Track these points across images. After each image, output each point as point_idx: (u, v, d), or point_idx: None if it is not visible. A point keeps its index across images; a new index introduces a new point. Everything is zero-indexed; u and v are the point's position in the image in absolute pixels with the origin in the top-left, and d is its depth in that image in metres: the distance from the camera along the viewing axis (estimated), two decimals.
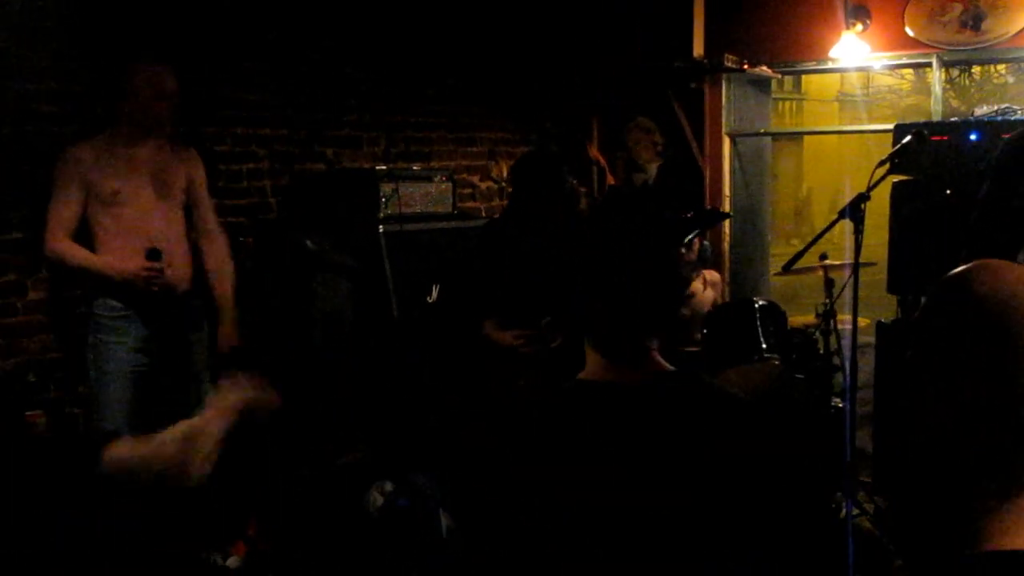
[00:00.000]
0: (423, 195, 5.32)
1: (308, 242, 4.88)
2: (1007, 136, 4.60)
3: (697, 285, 5.74)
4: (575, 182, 4.32)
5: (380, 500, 4.59)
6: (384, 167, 5.41)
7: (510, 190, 4.50)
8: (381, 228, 4.97)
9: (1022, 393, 1.12)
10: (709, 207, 6.91)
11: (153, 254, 3.90)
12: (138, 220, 3.98)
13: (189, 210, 4.24)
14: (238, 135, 5.11)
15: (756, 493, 1.75)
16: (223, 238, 4.34)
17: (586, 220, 2.02)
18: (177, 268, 4.07)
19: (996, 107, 5.38)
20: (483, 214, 6.33)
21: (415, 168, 5.76)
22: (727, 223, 7.31)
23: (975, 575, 1.10)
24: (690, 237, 5.58)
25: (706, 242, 5.89)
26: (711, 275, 5.92)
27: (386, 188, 5.10)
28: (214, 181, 4.96)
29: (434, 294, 5.06)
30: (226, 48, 5.00)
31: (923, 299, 1.26)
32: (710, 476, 1.73)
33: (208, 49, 4.91)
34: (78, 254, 3.91)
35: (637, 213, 1.90)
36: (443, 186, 5.47)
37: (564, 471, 1.73)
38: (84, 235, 3.97)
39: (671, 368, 1.86)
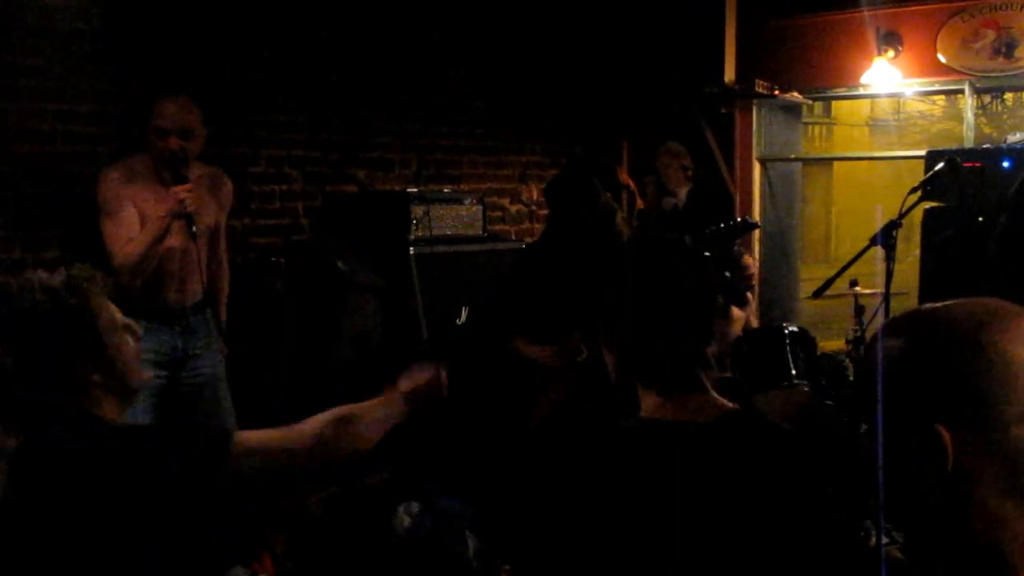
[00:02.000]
0: (454, 217, 5.35)
1: (339, 263, 4.91)
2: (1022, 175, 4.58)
3: (738, 313, 5.74)
4: (610, 196, 4.33)
5: (407, 521, 4.60)
6: (415, 189, 5.45)
7: (542, 213, 4.53)
8: (412, 250, 4.99)
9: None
10: (739, 218, 6.90)
11: (179, 177, 3.92)
12: (168, 258, 4.02)
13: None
14: (271, 156, 5.15)
15: (804, 528, 1.74)
16: (226, 265, 4.43)
17: (628, 258, 2.02)
18: (192, 291, 4.13)
19: None
20: (513, 237, 6.35)
21: (446, 191, 5.79)
22: (757, 248, 7.29)
23: None
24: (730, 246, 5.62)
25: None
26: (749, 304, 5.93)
27: (417, 210, 5.12)
28: (247, 202, 5.01)
29: (463, 316, 5.08)
30: (260, 70, 5.06)
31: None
32: (771, 514, 1.73)
33: (243, 71, 4.97)
34: (140, 239, 3.91)
35: (677, 247, 1.91)
36: (473, 209, 5.49)
37: (637, 510, 1.72)
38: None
39: (728, 403, 1.86)
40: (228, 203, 4.35)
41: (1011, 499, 1.12)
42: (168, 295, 4.07)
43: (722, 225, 6.14)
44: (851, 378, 5.16)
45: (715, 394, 1.84)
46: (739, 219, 6.83)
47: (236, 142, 4.97)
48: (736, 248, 5.95)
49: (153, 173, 3.98)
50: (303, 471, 2.17)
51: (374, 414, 2.26)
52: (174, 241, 4.00)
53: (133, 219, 3.90)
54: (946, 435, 1.12)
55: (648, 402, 1.85)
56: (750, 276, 5.78)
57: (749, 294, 6.00)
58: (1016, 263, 4.29)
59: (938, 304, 1.22)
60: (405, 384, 2.34)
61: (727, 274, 5.64)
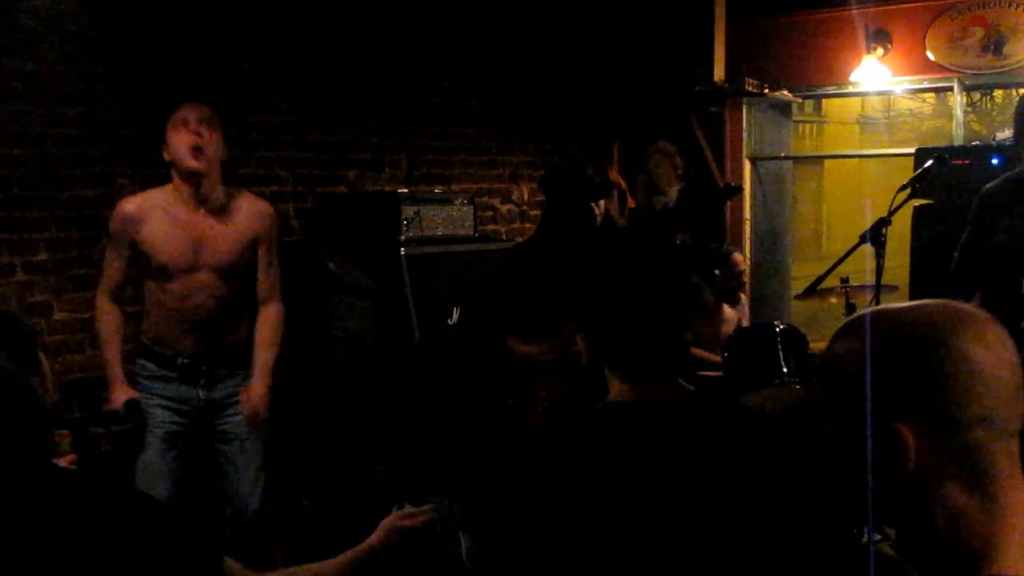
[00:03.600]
0: (444, 218, 5.35)
1: (330, 264, 4.91)
2: (985, 188, 4.61)
3: (729, 311, 5.75)
4: (607, 178, 4.34)
5: None
6: (406, 190, 5.44)
7: (533, 213, 4.55)
8: (403, 251, 4.99)
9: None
10: (722, 184, 6.92)
11: (131, 407, 3.67)
12: (184, 299, 3.68)
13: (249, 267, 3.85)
14: (262, 158, 5.15)
15: (785, 513, 1.76)
16: (276, 307, 3.92)
17: (606, 247, 2.07)
18: (221, 339, 3.77)
19: None
20: (504, 237, 6.35)
21: (437, 191, 5.79)
22: (748, 247, 7.31)
23: None
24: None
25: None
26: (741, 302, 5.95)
27: (408, 211, 5.12)
28: None
29: (455, 317, 5.08)
30: (251, 71, 5.05)
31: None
32: (745, 494, 1.74)
33: (233, 72, 4.97)
34: (103, 331, 3.75)
35: (654, 237, 1.95)
36: (464, 209, 5.49)
37: (608, 492, 1.74)
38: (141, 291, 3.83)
39: (693, 389, 1.88)
40: (265, 231, 3.85)
41: (974, 496, 1.14)
42: (184, 345, 3.72)
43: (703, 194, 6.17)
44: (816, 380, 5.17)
45: (681, 381, 1.87)
46: (724, 185, 6.87)
47: (226, 143, 4.96)
48: (726, 246, 5.96)
49: (174, 200, 3.66)
50: None
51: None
52: (184, 285, 3.66)
53: (121, 262, 3.68)
54: (907, 435, 1.14)
55: (615, 387, 1.87)
56: (740, 274, 5.80)
57: (742, 293, 6.02)
58: (974, 279, 4.31)
59: (899, 305, 1.24)
60: (396, 523, 2.31)
61: (716, 272, 5.65)
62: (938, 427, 1.14)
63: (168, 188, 3.69)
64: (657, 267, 1.90)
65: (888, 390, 1.15)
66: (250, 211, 3.81)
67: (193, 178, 3.62)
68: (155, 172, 4.65)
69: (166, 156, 3.64)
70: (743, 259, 5.83)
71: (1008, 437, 1.15)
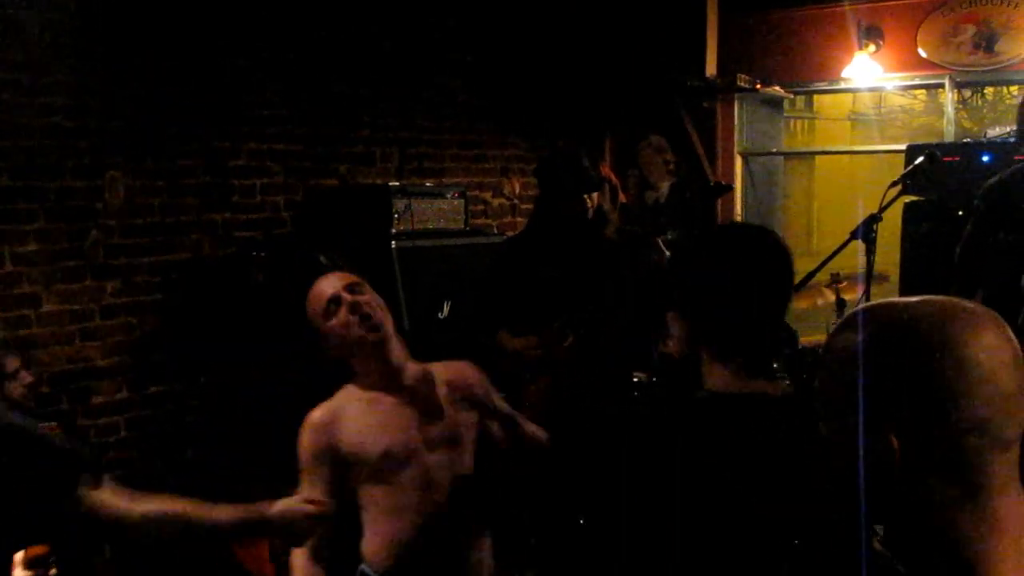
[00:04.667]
0: (435, 211, 5.34)
1: (321, 257, 4.90)
2: (988, 183, 4.63)
3: None
4: (599, 172, 4.32)
5: None
6: (397, 183, 5.43)
7: (524, 207, 4.55)
8: (393, 244, 4.98)
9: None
10: (713, 182, 6.92)
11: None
12: (419, 487, 2.66)
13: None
14: (252, 150, 5.14)
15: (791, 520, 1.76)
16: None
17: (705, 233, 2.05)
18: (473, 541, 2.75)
19: (1008, 128, 5.38)
20: (495, 231, 6.35)
21: (428, 184, 5.78)
22: None
23: None
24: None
25: None
26: None
27: (399, 204, 5.12)
28: (228, 195, 5.00)
29: (445, 310, 5.07)
30: (242, 63, 5.04)
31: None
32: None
33: (224, 64, 4.95)
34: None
35: (752, 227, 1.93)
36: (455, 202, 5.48)
37: (711, 483, 1.71)
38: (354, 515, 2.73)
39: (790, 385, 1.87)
40: (475, 373, 2.92)
41: (964, 501, 1.12)
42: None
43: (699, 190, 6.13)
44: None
45: (779, 379, 1.85)
46: (715, 183, 6.86)
47: (217, 136, 4.96)
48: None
49: (372, 387, 2.76)
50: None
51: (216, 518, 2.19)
52: (409, 495, 2.64)
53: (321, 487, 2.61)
54: (892, 437, 1.12)
55: (717, 378, 1.84)
56: None
57: None
58: (976, 274, 4.32)
59: (901, 300, 1.20)
60: (278, 507, 2.28)
61: None
62: (929, 430, 1.11)
63: (358, 378, 2.82)
64: (767, 259, 1.87)
65: (881, 389, 1.13)
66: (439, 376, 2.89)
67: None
68: (145, 165, 4.66)
69: (332, 355, 2.88)
70: None
71: (1003, 445, 1.11)
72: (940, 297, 1.19)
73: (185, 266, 4.82)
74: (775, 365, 4.86)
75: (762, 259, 1.86)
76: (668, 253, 4.61)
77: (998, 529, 1.12)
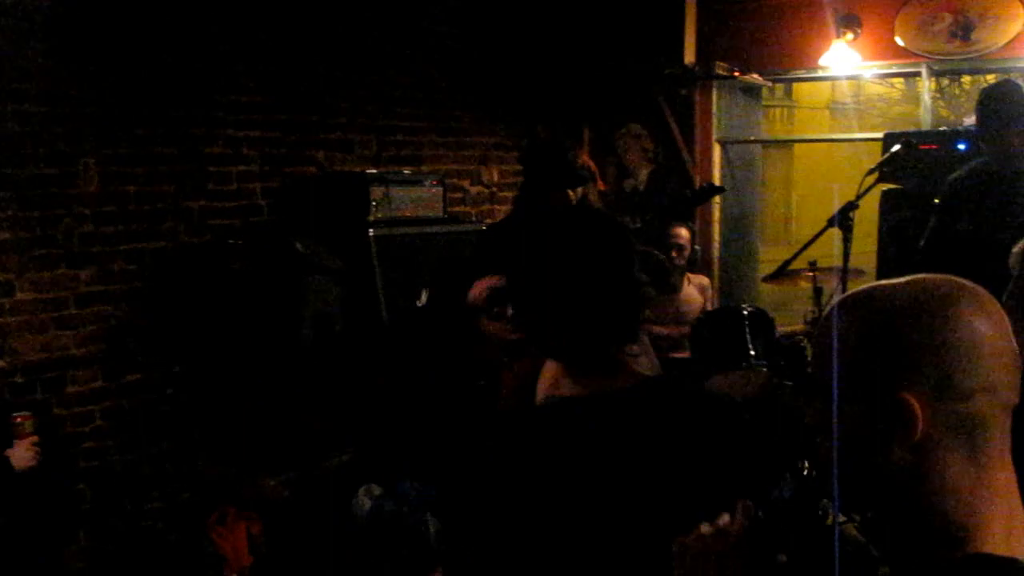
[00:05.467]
0: (414, 199, 5.32)
1: (298, 245, 4.88)
2: (950, 177, 4.66)
3: (689, 289, 5.75)
4: (584, 160, 4.33)
5: (368, 504, 4.59)
6: (375, 171, 5.41)
7: (503, 195, 4.56)
8: (371, 231, 4.97)
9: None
10: (704, 184, 6.92)
11: None
12: None
13: None
14: (229, 137, 5.10)
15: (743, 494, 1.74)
16: None
17: (540, 233, 1.95)
18: None
19: None
20: (474, 218, 6.34)
21: (406, 172, 5.76)
22: (717, 230, 7.32)
23: None
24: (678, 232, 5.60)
25: (697, 247, 5.89)
26: (701, 280, 5.92)
27: (376, 192, 5.10)
28: (204, 183, 4.97)
29: (423, 298, 5.06)
30: (217, 49, 5.00)
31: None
32: (699, 479, 1.72)
33: (199, 50, 4.91)
34: None
35: (590, 222, 1.86)
36: (434, 190, 5.47)
37: (558, 488, 1.70)
38: None
39: (647, 375, 1.84)
40: None
41: (970, 468, 1.15)
42: None
43: (688, 192, 6.11)
44: (809, 359, 5.19)
45: (635, 368, 1.82)
46: (704, 184, 6.86)
47: (193, 122, 4.92)
48: (672, 222, 5.91)
49: None
50: None
51: None
52: None
53: None
54: (915, 404, 1.13)
55: (558, 381, 1.83)
56: (682, 248, 5.70)
57: (699, 274, 5.99)
58: (940, 266, 4.35)
59: (897, 280, 1.23)
60: None
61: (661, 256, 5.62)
62: (942, 395, 1.14)
63: None
64: (595, 247, 1.80)
65: (891, 360, 1.16)
66: None
67: None
68: (120, 152, 4.62)
69: None
70: (687, 234, 5.74)
71: (1006, 409, 1.16)
72: (940, 275, 1.23)
73: (161, 254, 4.79)
74: (752, 352, 4.89)
75: (581, 253, 1.79)
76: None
77: (994, 498, 1.15)
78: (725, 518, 1.49)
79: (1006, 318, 1.19)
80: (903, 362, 1.15)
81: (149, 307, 4.73)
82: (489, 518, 1.76)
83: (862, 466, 1.19)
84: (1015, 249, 1.86)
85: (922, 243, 4.71)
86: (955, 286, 1.19)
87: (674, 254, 5.60)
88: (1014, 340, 1.18)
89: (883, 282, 1.24)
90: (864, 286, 1.26)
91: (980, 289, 1.20)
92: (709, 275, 6.77)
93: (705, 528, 1.50)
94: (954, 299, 1.17)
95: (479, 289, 3.64)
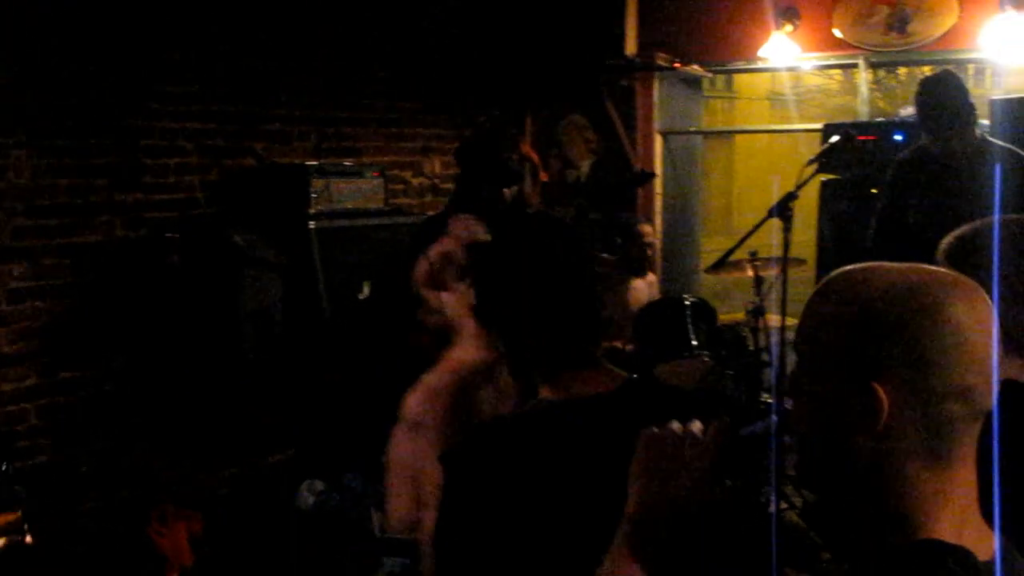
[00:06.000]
0: (354, 191, 5.27)
1: (237, 238, 4.81)
2: (897, 157, 4.75)
3: (639, 283, 5.77)
4: (518, 158, 4.33)
5: (311, 500, 4.55)
6: (315, 162, 5.35)
7: (445, 186, 4.55)
8: (312, 224, 4.92)
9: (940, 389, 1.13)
10: (639, 169, 6.95)
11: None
12: None
13: None
14: (165, 128, 5.01)
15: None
16: None
17: (503, 241, 1.96)
18: None
19: None
20: (416, 210, 6.30)
21: (346, 164, 5.70)
22: (659, 220, 7.36)
23: (912, 563, 1.12)
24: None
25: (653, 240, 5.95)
26: (648, 275, 5.95)
27: (317, 184, 5.04)
28: (139, 176, 4.88)
29: (365, 291, 5.02)
30: (151, 38, 4.90)
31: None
32: None
33: (133, 40, 4.82)
34: None
35: (549, 226, 1.87)
36: (375, 182, 5.43)
37: (548, 494, 1.68)
38: None
39: (625, 374, 1.84)
40: None
41: (928, 465, 1.14)
42: None
43: (617, 180, 6.15)
44: (751, 348, 5.24)
45: (610, 366, 1.82)
46: (640, 170, 6.90)
47: (128, 114, 4.83)
48: (633, 218, 5.97)
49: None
50: None
51: None
52: None
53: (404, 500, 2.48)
54: (883, 394, 1.13)
55: (545, 385, 1.82)
56: (647, 245, 5.78)
57: (650, 268, 6.03)
58: (892, 247, 4.42)
59: (893, 265, 1.21)
60: None
61: (618, 240, 5.65)
62: (914, 392, 1.13)
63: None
64: (555, 252, 1.81)
65: (870, 347, 1.14)
66: None
67: None
68: (52, 144, 4.52)
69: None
70: (652, 231, 5.82)
71: (976, 414, 1.14)
72: (926, 266, 1.21)
73: (96, 248, 4.69)
74: (695, 341, 4.91)
75: (542, 258, 1.81)
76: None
77: (950, 496, 1.15)
78: (698, 424, 1.47)
79: (990, 312, 1.17)
80: (881, 351, 1.14)
81: (85, 303, 4.64)
82: (472, 525, 1.73)
83: (826, 447, 1.19)
84: (942, 244, 1.87)
85: (872, 227, 4.77)
86: (949, 282, 1.17)
87: (649, 252, 5.72)
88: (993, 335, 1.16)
89: (879, 265, 1.21)
90: (860, 265, 1.22)
91: (973, 286, 1.18)
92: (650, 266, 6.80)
93: (676, 426, 1.47)
94: (945, 296, 1.14)
95: (434, 254, 3.60)
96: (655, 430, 1.47)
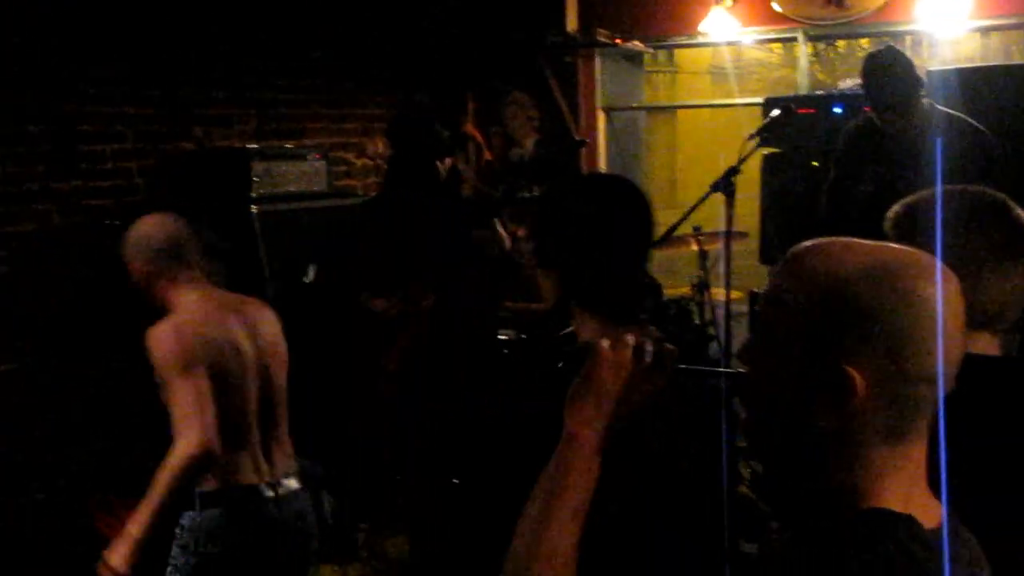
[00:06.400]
0: (297, 174, 5.22)
1: None
2: (848, 125, 4.80)
3: None
4: (468, 130, 4.34)
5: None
6: (256, 146, 5.29)
7: (388, 155, 4.56)
8: (254, 208, 4.86)
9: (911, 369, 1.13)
10: (576, 138, 6.95)
11: None
12: None
13: None
14: (101, 114, 4.92)
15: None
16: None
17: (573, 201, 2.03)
18: None
19: (859, 80, 5.53)
20: (360, 192, 6.25)
21: (288, 146, 5.64)
22: None
23: (861, 530, 1.13)
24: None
25: None
26: None
27: (258, 167, 4.98)
28: (76, 163, 4.79)
29: (311, 275, 4.98)
30: (84, 22, 4.80)
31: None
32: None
33: (63, 22, 4.71)
34: None
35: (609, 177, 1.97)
36: (317, 164, 5.37)
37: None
38: None
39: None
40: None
41: (888, 442, 1.15)
42: None
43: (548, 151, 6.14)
44: (696, 322, 5.27)
45: (651, 327, 1.85)
46: (573, 140, 6.91)
47: (62, 99, 4.73)
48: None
49: None
50: None
51: None
52: None
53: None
54: (857, 378, 1.12)
55: (589, 327, 1.83)
56: None
57: None
58: (843, 218, 4.47)
59: (866, 243, 1.19)
60: None
61: None
62: (887, 378, 1.12)
63: None
64: (626, 208, 1.90)
65: (843, 327, 1.13)
66: None
67: None
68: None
69: None
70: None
71: (939, 396, 1.15)
72: (900, 246, 1.20)
73: (32, 237, 4.60)
74: (643, 315, 4.95)
75: (621, 208, 1.89)
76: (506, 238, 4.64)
77: (902, 470, 1.16)
78: (631, 337, 1.44)
79: (960, 296, 1.17)
80: (854, 333, 1.13)
81: (20, 293, 4.55)
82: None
83: (784, 421, 1.19)
84: (888, 214, 1.89)
85: (822, 199, 4.82)
86: (924, 264, 1.16)
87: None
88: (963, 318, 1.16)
89: (851, 242, 1.19)
90: (830, 241, 1.20)
91: (943, 268, 1.16)
92: None
93: (629, 338, 1.44)
94: (921, 280, 1.13)
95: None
96: (604, 344, 1.44)
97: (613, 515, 1.67)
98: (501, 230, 4.66)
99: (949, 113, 4.59)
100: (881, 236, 1.25)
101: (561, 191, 2.07)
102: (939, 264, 1.16)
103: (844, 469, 1.16)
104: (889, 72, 4.49)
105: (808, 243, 1.22)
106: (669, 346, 1.44)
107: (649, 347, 1.42)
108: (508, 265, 4.61)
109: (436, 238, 4.03)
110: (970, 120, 4.54)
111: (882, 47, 4.78)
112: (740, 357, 1.26)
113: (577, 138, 6.87)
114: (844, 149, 4.83)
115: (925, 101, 4.59)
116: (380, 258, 4.02)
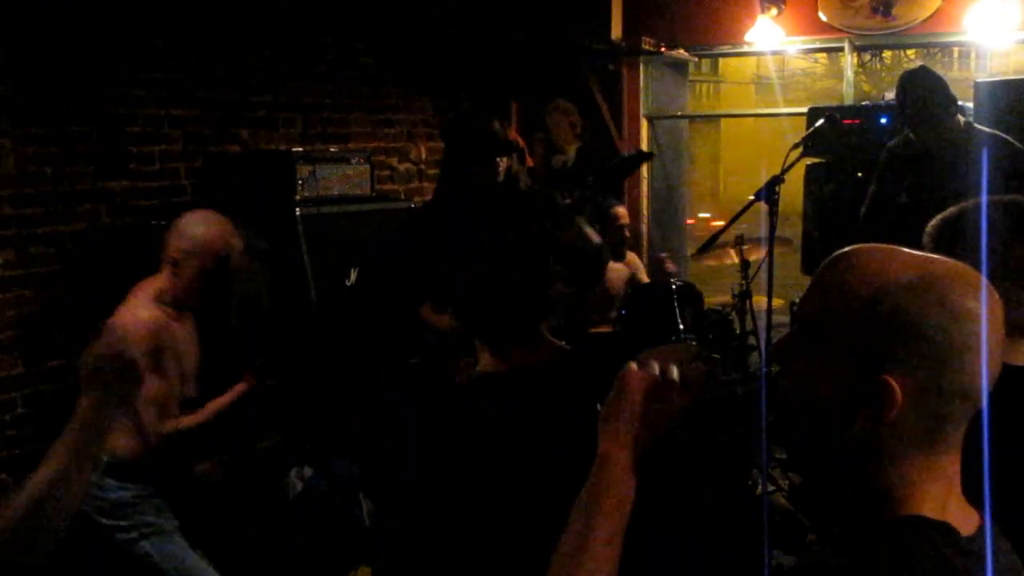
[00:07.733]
0: (341, 177, 5.26)
1: None
2: (889, 143, 4.77)
3: (616, 266, 5.76)
4: (512, 136, 4.27)
5: (299, 485, 4.55)
6: (300, 149, 5.34)
7: (431, 172, 4.52)
8: (298, 211, 4.90)
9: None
10: (633, 151, 6.94)
11: None
12: None
13: None
14: (150, 116, 4.99)
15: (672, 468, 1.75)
16: None
17: (459, 213, 2.02)
18: None
19: None
20: (402, 196, 6.29)
21: (332, 150, 5.69)
22: (645, 205, 7.37)
23: (897, 537, 1.13)
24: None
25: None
26: (630, 256, 5.94)
27: (303, 170, 5.02)
28: (125, 164, 4.86)
29: (352, 277, 5.02)
30: (134, 25, 4.88)
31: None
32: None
33: (115, 26, 4.79)
34: None
35: (495, 201, 1.91)
36: (361, 168, 5.41)
37: (483, 462, 1.71)
38: None
39: (566, 347, 1.86)
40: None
41: (922, 452, 1.15)
42: None
43: (616, 160, 6.13)
44: (737, 331, 5.25)
45: (554, 340, 1.85)
46: (632, 152, 6.89)
47: (112, 101, 4.80)
48: (608, 200, 5.95)
49: None
50: None
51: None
52: None
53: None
54: (897, 390, 1.11)
55: (483, 358, 1.85)
56: (622, 228, 5.75)
57: (629, 250, 6.01)
58: (880, 232, 4.45)
59: (918, 254, 1.18)
60: None
61: (596, 226, 5.66)
62: (926, 391, 1.12)
63: None
64: (508, 227, 1.86)
65: (887, 338, 1.12)
66: None
67: None
68: (36, 132, 4.50)
69: None
70: (625, 213, 5.80)
71: (973, 409, 1.14)
72: (945, 258, 1.19)
73: (82, 236, 4.68)
74: (681, 326, 4.92)
75: (498, 233, 1.85)
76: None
77: (937, 479, 1.16)
78: (674, 369, 1.42)
79: (1003, 315, 1.16)
80: (901, 346, 1.12)
81: (71, 291, 4.62)
82: (411, 496, 1.76)
83: (820, 427, 1.18)
84: (928, 227, 1.88)
85: (863, 209, 4.80)
86: (970, 280, 1.15)
87: (625, 235, 5.71)
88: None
89: (894, 251, 1.19)
90: (873, 247, 1.20)
91: (988, 284, 1.15)
92: (638, 250, 6.81)
93: (653, 364, 1.43)
94: (966, 295, 1.12)
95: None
96: (633, 367, 1.44)
97: (648, 532, 1.69)
98: (587, 228, 4.62)
99: (990, 132, 4.56)
100: (915, 249, 1.24)
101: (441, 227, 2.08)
102: (984, 280, 1.15)
103: (879, 477, 1.16)
104: (920, 89, 4.49)
105: (854, 248, 1.21)
106: (699, 364, 1.44)
107: (675, 368, 1.42)
108: (600, 261, 4.55)
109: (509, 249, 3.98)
110: (1011, 140, 4.51)
111: (915, 68, 4.78)
112: (775, 355, 1.25)
113: (646, 150, 6.86)
114: (884, 165, 4.81)
115: (961, 119, 4.57)
116: (436, 273, 3.98)
